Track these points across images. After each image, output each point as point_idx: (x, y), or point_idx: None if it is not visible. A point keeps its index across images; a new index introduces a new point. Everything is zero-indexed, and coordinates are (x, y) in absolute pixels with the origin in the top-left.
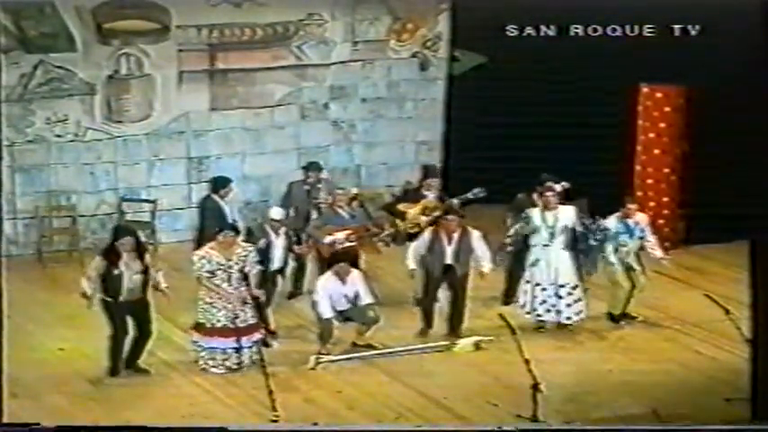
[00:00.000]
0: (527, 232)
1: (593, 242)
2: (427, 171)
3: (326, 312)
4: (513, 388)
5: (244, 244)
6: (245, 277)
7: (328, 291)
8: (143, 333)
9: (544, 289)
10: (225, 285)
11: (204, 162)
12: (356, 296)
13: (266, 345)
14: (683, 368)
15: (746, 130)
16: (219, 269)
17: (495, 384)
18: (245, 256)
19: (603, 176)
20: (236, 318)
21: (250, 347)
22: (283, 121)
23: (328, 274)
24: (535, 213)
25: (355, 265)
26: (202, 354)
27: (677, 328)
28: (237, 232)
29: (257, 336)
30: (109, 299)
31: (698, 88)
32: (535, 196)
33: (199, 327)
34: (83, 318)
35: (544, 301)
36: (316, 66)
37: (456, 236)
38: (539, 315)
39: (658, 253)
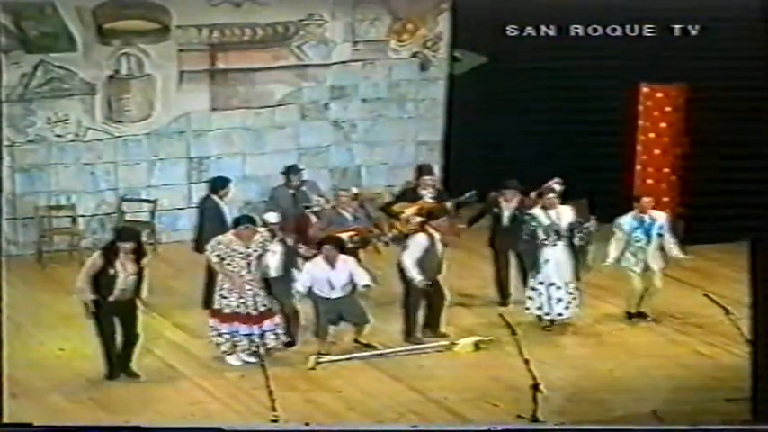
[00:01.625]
0: (535, 229)
1: (578, 241)
2: (421, 170)
3: (300, 286)
4: (513, 388)
5: (261, 230)
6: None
7: (312, 273)
8: (130, 336)
9: (559, 287)
10: (244, 272)
11: (204, 162)
12: (351, 280)
13: (290, 344)
14: (683, 368)
15: (746, 130)
16: (238, 257)
17: (495, 384)
18: (262, 242)
19: (604, 176)
20: (256, 303)
21: (272, 331)
22: (284, 121)
23: (317, 259)
24: (539, 213)
25: (343, 251)
26: (222, 339)
27: (677, 328)
28: (254, 223)
29: (276, 320)
30: (97, 297)
31: (698, 88)
32: (500, 199)
33: (217, 312)
34: (83, 318)
35: (560, 299)
36: (316, 66)
37: (441, 236)
38: (540, 308)
39: (676, 251)
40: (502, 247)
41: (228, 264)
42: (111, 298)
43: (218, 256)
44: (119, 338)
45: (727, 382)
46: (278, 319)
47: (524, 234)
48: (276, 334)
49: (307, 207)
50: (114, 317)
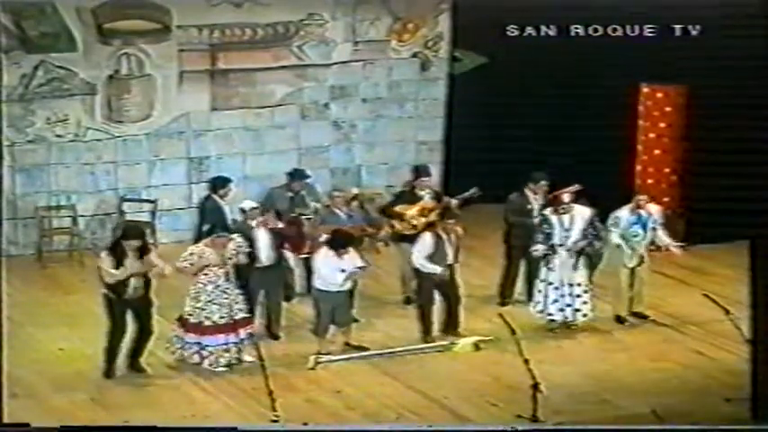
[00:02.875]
0: (548, 231)
1: (589, 250)
2: (418, 171)
3: (320, 285)
4: (513, 388)
5: (235, 237)
6: (238, 271)
7: (324, 267)
8: (145, 331)
9: (557, 288)
10: (221, 281)
11: (205, 162)
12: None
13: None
14: (683, 368)
15: (746, 130)
16: (215, 266)
17: (495, 384)
18: (235, 248)
19: (604, 176)
20: (232, 311)
21: (246, 340)
22: (284, 121)
23: (324, 250)
24: (552, 216)
25: (350, 244)
26: (204, 352)
27: (677, 328)
28: (230, 232)
29: (250, 329)
30: (113, 295)
31: (698, 88)
32: (529, 193)
33: (195, 326)
34: (83, 318)
35: (556, 301)
36: (316, 66)
37: (453, 237)
38: (550, 314)
39: (667, 240)
40: (520, 245)
41: (205, 274)
42: (125, 296)
43: (190, 263)
44: (132, 335)
45: (727, 382)
46: (252, 327)
47: (538, 236)
48: (248, 344)
49: (301, 214)
50: (128, 314)
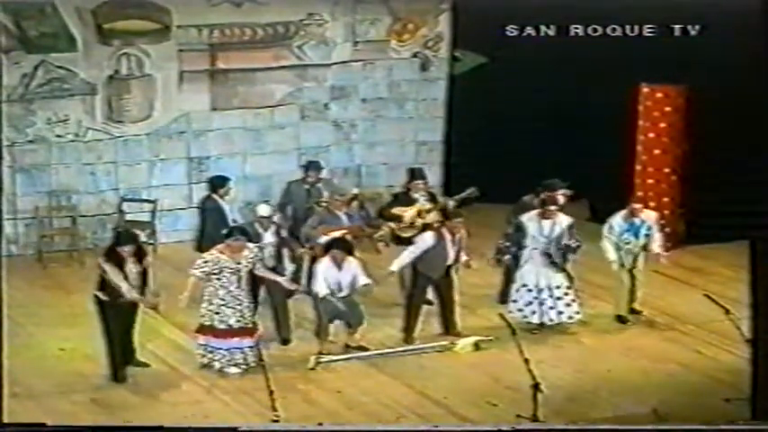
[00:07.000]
0: (521, 238)
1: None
2: (413, 173)
3: (322, 289)
4: (513, 388)
5: (251, 245)
6: (253, 278)
7: (325, 274)
8: (131, 330)
9: (530, 290)
10: (233, 287)
11: (205, 162)
12: (354, 281)
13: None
14: (683, 368)
15: (746, 130)
16: (228, 271)
17: (495, 384)
18: (252, 257)
19: (604, 176)
20: (245, 317)
21: (255, 347)
22: (284, 121)
23: (325, 260)
24: (531, 221)
25: (351, 253)
26: (217, 356)
27: (677, 328)
28: (247, 236)
29: (255, 338)
30: (105, 298)
31: (698, 88)
32: (537, 200)
33: (208, 329)
34: (83, 318)
35: (530, 303)
36: (316, 66)
37: (457, 237)
38: (525, 316)
39: (656, 249)
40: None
41: (218, 279)
42: (120, 300)
43: (203, 272)
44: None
45: (727, 382)
46: (257, 335)
47: (506, 243)
48: (256, 352)
49: (318, 204)
50: (123, 317)
